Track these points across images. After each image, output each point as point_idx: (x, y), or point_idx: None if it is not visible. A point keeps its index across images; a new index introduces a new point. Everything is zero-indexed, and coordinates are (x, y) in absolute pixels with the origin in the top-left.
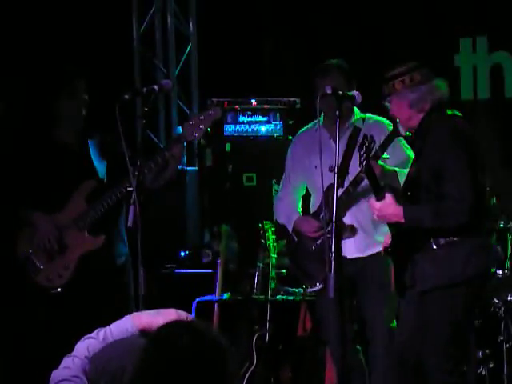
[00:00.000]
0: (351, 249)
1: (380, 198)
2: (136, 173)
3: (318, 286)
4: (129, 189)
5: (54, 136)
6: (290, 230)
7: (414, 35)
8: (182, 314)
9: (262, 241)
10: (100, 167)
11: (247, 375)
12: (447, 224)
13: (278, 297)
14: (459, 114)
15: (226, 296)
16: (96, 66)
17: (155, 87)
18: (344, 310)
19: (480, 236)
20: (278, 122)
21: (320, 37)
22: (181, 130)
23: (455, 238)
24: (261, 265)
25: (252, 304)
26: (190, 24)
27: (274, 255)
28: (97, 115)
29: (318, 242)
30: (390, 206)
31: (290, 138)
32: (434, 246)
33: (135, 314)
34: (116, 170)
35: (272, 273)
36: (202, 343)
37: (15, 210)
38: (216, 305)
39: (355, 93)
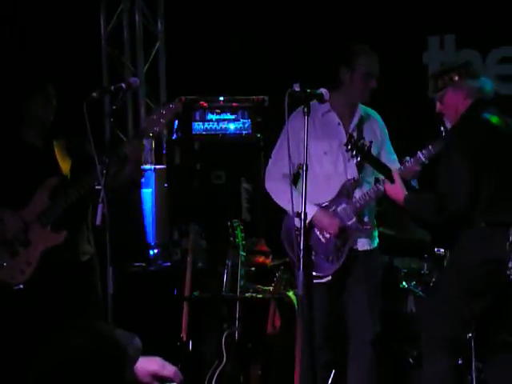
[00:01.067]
0: (363, 241)
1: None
2: (104, 171)
3: (327, 278)
4: (97, 187)
5: (21, 136)
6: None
7: (383, 33)
8: (166, 362)
9: (231, 239)
10: (64, 166)
11: (217, 373)
12: (424, 217)
13: (247, 295)
14: (495, 119)
15: (195, 294)
16: (64, 65)
17: (123, 85)
18: (321, 305)
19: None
20: (246, 120)
21: (287, 34)
22: None
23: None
24: (230, 262)
25: (221, 302)
26: (158, 22)
27: (242, 253)
28: (65, 113)
29: (328, 236)
30: (396, 187)
31: (259, 135)
32: None
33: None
34: (81, 170)
35: (241, 271)
36: (99, 345)
37: None
38: (185, 303)
39: (323, 90)
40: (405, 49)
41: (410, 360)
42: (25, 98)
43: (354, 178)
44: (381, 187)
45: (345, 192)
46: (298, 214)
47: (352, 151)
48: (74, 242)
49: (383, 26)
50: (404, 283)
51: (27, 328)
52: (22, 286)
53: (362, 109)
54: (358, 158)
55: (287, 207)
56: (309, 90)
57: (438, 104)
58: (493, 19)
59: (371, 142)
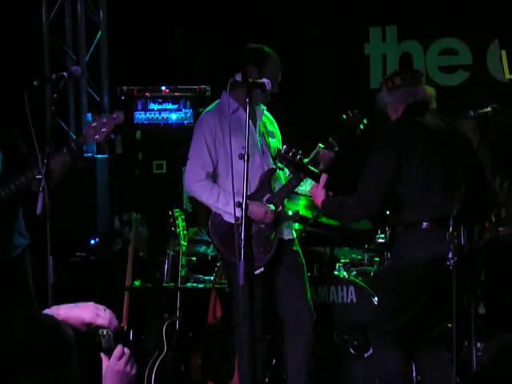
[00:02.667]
0: (288, 230)
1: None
2: (45, 160)
3: (260, 269)
4: (37, 176)
5: None
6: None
7: (325, 24)
8: (100, 307)
9: (172, 228)
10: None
11: (157, 363)
12: (344, 217)
13: (188, 284)
14: (431, 121)
15: (136, 284)
16: (4, 53)
17: (65, 74)
18: (257, 297)
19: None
20: (188, 110)
21: (229, 24)
22: (90, 118)
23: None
24: (171, 252)
25: (162, 292)
26: (100, 11)
27: (184, 243)
28: (5, 102)
29: (262, 226)
30: (317, 189)
31: None
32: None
33: (53, 307)
34: (13, 161)
35: (182, 260)
36: (42, 335)
37: None
38: (126, 292)
39: (265, 80)
40: (347, 40)
41: (351, 350)
42: None
43: (271, 169)
44: (302, 176)
45: (265, 183)
46: (239, 204)
47: (284, 164)
48: (4, 237)
49: (326, 17)
50: (344, 273)
51: None
52: None
53: (261, 107)
54: (290, 170)
55: (216, 205)
56: (251, 80)
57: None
58: (434, 11)
59: (297, 151)
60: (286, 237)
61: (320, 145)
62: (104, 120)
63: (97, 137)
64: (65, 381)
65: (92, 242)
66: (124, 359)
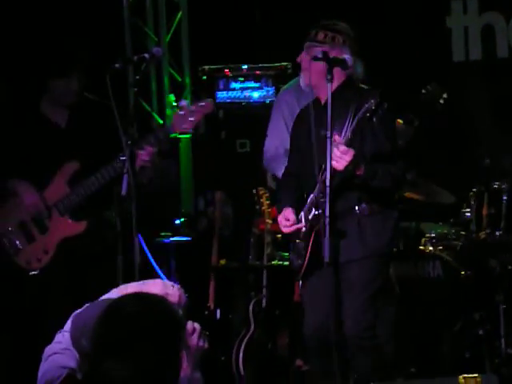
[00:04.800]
0: None
1: None
2: (129, 142)
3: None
4: (121, 158)
5: (42, 112)
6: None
7: None
8: (168, 284)
9: (257, 206)
10: (89, 142)
11: (245, 341)
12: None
13: (273, 262)
14: None
15: (221, 263)
16: (86, 36)
17: (146, 55)
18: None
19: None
20: (270, 88)
21: (310, 2)
22: (173, 98)
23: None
24: (256, 231)
25: (248, 270)
26: None
27: (269, 220)
28: (89, 85)
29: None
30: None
31: None
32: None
33: (121, 286)
34: (101, 154)
35: (267, 238)
36: (151, 313)
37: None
38: (212, 272)
39: (346, 56)
40: (428, 13)
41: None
42: (49, 77)
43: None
44: None
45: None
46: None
47: None
48: (94, 229)
49: None
50: (430, 248)
51: (39, 313)
52: (36, 272)
53: None
54: None
55: None
56: (332, 56)
57: None
58: None
59: None
60: None
61: (399, 120)
62: (192, 108)
63: (185, 126)
64: (173, 355)
65: (177, 222)
66: (196, 334)
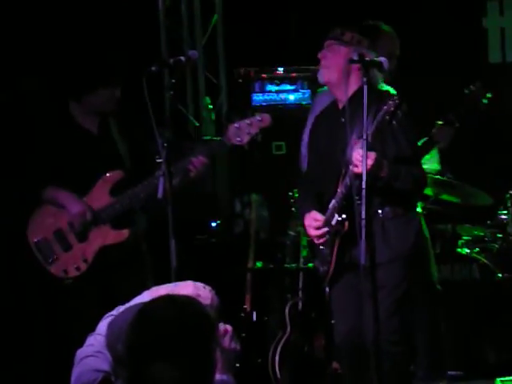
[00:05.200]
0: None
1: None
2: (165, 144)
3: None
4: (158, 160)
5: (78, 121)
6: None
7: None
8: (200, 286)
9: (293, 209)
10: (123, 149)
11: (281, 344)
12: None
13: (309, 265)
14: None
15: (258, 265)
16: (123, 39)
17: (182, 58)
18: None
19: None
20: (306, 90)
21: (346, 4)
22: (208, 101)
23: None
24: (292, 233)
25: (284, 272)
26: None
27: None
28: (125, 88)
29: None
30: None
31: None
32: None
33: (153, 288)
34: (141, 163)
35: (303, 241)
36: (186, 316)
37: (34, 193)
38: (248, 274)
39: (382, 59)
40: (464, 14)
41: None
42: (91, 89)
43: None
44: None
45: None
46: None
47: None
48: (133, 237)
49: None
50: (467, 250)
51: (72, 321)
52: (71, 281)
53: None
54: None
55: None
56: (368, 58)
57: None
58: None
59: None
60: None
61: (439, 122)
62: (248, 122)
63: (239, 139)
64: (208, 357)
65: (213, 224)
66: (228, 336)
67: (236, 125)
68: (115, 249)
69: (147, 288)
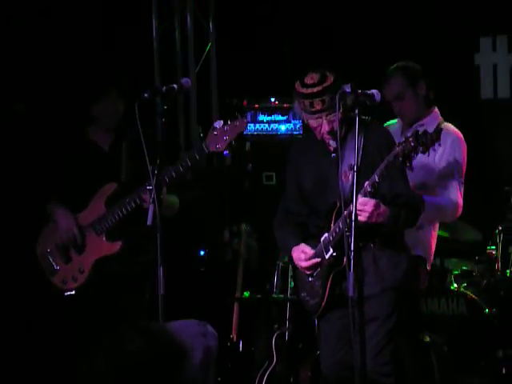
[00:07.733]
0: None
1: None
2: (155, 171)
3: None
4: (148, 187)
5: (87, 134)
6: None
7: (434, 34)
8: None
9: None
10: (130, 168)
11: (267, 374)
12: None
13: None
14: None
15: (245, 295)
16: (116, 65)
17: (175, 86)
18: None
19: None
20: (297, 121)
21: (340, 36)
22: (200, 130)
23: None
24: (280, 263)
25: (271, 303)
26: (210, 23)
27: None
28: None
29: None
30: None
31: None
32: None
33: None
34: (136, 175)
35: (291, 271)
36: (155, 348)
37: (42, 205)
38: (236, 303)
39: (374, 91)
40: (457, 50)
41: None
42: (90, 99)
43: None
44: None
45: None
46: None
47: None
48: (129, 251)
49: (436, 27)
50: (455, 285)
51: (74, 333)
52: (73, 292)
53: None
54: None
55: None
56: (359, 91)
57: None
58: None
59: None
60: None
61: None
62: (226, 128)
63: (218, 146)
64: None
65: (201, 253)
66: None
67: (214, 132)
68: (114, 261)
69: (145, 301)
